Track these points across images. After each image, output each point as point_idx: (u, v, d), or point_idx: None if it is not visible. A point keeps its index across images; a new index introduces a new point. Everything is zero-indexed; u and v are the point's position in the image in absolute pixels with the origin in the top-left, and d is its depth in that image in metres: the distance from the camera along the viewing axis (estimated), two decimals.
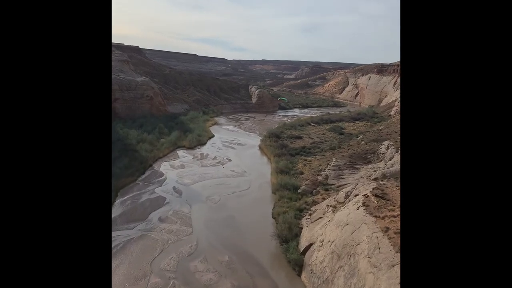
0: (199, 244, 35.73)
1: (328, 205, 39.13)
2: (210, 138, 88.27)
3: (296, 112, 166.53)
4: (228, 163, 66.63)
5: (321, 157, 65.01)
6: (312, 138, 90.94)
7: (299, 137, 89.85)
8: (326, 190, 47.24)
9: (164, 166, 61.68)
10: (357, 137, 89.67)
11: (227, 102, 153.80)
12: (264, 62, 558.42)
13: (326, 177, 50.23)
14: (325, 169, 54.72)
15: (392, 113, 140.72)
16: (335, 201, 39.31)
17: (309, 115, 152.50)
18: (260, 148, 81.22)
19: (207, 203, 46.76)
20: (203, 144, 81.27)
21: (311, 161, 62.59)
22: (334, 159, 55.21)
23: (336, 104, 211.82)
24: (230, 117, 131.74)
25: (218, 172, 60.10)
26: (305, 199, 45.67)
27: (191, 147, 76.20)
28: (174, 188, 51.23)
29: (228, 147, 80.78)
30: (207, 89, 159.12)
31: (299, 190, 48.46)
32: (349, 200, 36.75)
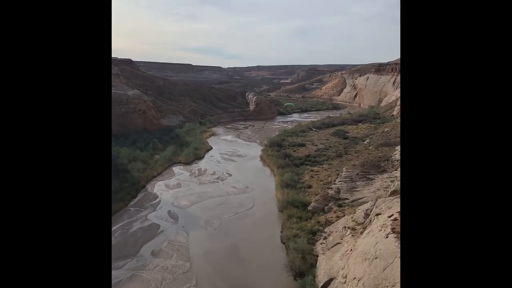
0: (198, 285, 30.44)
1: (345, 227, 33.92)
2: (208, 151, 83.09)
3: (296, 117, 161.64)
4: (228, 178, 61.41)
5: (328, 166, 59.86)
6: (316, 145, 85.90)
7: (302, 145, 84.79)
8: (340, 206, 42.05)
9: (158, 187, 56.45)
10: (363, 141, 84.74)
11: (224, 111, 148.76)
12: (260, 68, 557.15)
13: (338, 191, 45.06)
14: (335, 181, 49.59)
15: (394, 113, 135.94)
16: (352, 221, 34.11)
17: (309, 119, 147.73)
18: (262, 159, 76.09)
19: (206, 228, 41.50)
20: (201, 158, 76.08)
21: (318, 171, 57.37)
22: (344, 169, 50.02)
23: (336, 107, 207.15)
24: (228, 126, 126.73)
25: (217, 190, 54.84)
26: (316, 218, 40.46)
27: (187, 163, 71.00)
28: (169, 212, 45.98)
29: (227, 159, 75.59)
30: (203, 98, 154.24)
31: (309, 207, 43.26)
32: (370, 221, 31.60)
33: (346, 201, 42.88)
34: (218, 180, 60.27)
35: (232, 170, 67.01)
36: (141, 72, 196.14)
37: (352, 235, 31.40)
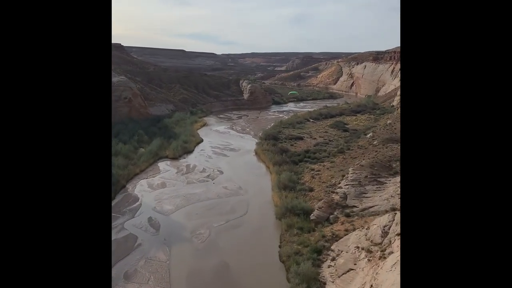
0: None
1: (358, 247, 28.15)
2: (198, 143, 76.70)
3: (291, 106, 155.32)
4: (219, 177, 55.29)
5: (330, 164, 53.92)
6: (315, 138, 79.97)
7: (300, 138, 78.77)
8: (348, 216, 36.24)
9: (140, 186, 50.19)
10: (366, 135, 78.91)
11: (216, 99, 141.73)
12: (254, 55, 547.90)
13: (344, 196, 39.24)
14: (340, 183, 43.76)
15: (394, 103, 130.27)
16: (367, 239, 28.33)
17: (305, 109, 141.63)
18: (257, 153, 69.99)
19: (192, 241, 35.48)
20: (190, 152, 69.74)
21: (319, 170, 51.42)
22: (350, 170, 44.12)
23: (332, 96, 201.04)
24: (221, 116, 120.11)
25: (207, 191, 48.73)
26: (321, 230, 34.61)
27: (175, 157, 64.67)
28: (150, 220, 39.85)
29: (219, 154, 69.36)
30: (195, 86, 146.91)
31: (312, 216, 37.41)
32: (390, 242, 25.82)
33: (355, 209, 37.08)
34: (208, 179, 54.12)
35: (224, 166, 60.86)
36: (130, 58, 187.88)
37: (369, 260, 25.63)
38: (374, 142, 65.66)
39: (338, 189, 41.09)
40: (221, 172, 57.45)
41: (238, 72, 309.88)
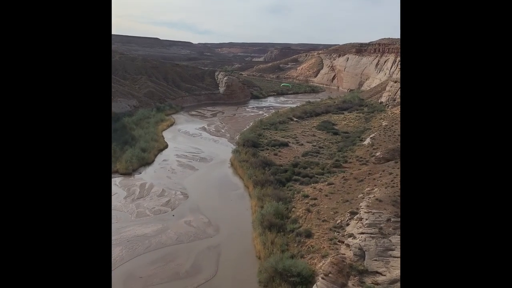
0: None
1: None
2: (161, 151, 62.63)
3: (271, 101, 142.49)
4: (182, 204, 41.72)
5: (328, 188, 41.17)
6: (302, 144, 67.35)
7: (285, 144, 65.92)
8: None
9: None
10: (362, 141, 66.87)
11: (189, 93, 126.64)
12: (232, 45, 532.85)
13: (361, 253, 26.58)
14: (348, 223, 31.21)
15: (383, 100, 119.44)
16: None
17: (287, 105, 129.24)
18: (233, 165, 56.70)
19: None
20: (149, 163, 55.65)
21: (316, 199, 38.52)
22: (363, 207, 31.31)
23: (314, 90, 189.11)
24: (193, 113, 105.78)
25: (163, 231, 35.11)
26: None
27: (128, 173, 50.44)
28: None
29: (185, 166, 55.54)
30: (164, 78, 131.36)
31: None
32: None
33: (380, 279, 24.44)
34: (167, 208, 40.43)
35: (190, 186, 47.23)
36: None
37: None
38: (377, 154, 53.45)
39: (350, 239, 28.32)
40: (186, 196, 43.84)
41: (215, 62, 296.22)
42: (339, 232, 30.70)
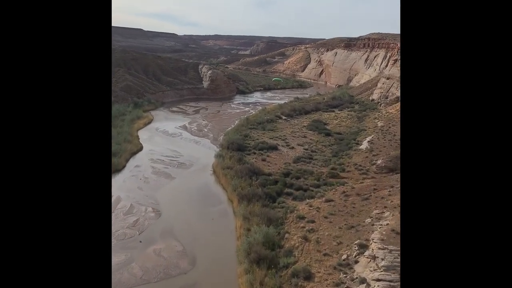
0: None
1: None
2: (133, 154, 55.39)
3: (258, 96, 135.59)
4: (153, 225, 34.80)
5: (328, 207, 34.82)
6: (292, 147, 60.92)
7: (273, 147, 59.28)
8: None
9: None
10: (358, 144, 60.86)
11: (170, 87, 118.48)
12: (217, 37, 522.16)
13: None
14: (357, 260, 24.96)
15: (374, 97, 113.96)
16: None
17: (274, 101, 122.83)
18: (215, 172, 49.91)
19: None
20: (119, 170, 48.39)
21: (313, 222, 32.07)
22: (377, 240, 25.01)
23: (301, 85, 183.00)
24: (174, 109, 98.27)
25: (124, 265, 28.12)
26: None
27: None
28: None
29: (160, 174, 48.46)
30: (144, 71, 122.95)
31: None
32: None
33: None
34: (134, 231, 33.44)
35: (164, 200, 40.29)
36: None
37: None
38: (378, 161, 47.45)
39: (363, 287, 21.94)
40: (158, 214, 36.89)
41: (200, 54, 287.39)
42: (346, 273, 24.34)
